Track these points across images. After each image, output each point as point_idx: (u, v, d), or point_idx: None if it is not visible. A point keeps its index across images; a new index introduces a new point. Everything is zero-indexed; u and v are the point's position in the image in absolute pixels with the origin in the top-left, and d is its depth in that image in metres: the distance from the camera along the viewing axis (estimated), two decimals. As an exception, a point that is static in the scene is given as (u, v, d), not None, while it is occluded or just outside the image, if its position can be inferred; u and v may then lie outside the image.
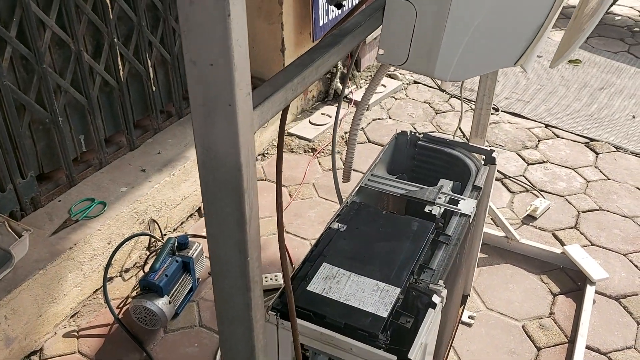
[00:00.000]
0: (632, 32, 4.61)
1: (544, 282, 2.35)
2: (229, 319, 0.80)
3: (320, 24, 3.03)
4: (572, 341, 2.09)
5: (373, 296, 1.36)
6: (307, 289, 1.38)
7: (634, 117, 3.51)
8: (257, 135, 2.96)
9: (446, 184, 1.77)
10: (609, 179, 2.98)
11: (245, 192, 0.64)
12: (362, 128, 3.32)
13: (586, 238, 2.58)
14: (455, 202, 1.69)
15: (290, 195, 2.79)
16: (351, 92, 3.54)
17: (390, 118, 3.43)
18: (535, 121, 3.45)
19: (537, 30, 0.87)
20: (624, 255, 2.50)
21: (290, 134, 3.20)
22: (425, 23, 0.95)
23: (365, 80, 3.71)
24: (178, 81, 2.74)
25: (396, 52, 0.98)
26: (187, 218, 2.62)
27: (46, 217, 2.17)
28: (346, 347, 1.27)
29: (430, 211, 1.65)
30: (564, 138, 3.31)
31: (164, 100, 2.73)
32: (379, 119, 3.41)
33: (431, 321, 1.32)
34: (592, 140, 3.28)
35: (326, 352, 1.32)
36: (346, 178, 2.02)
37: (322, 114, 3.36)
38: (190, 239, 2.24)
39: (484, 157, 1.93)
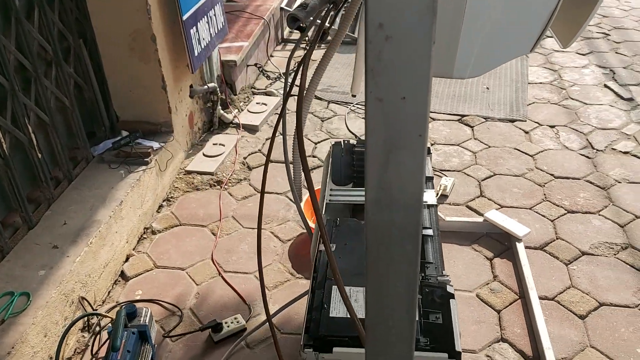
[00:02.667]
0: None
1: (477, 251, 2.54)
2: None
3: (196, 54, 2.94)
4: (523, 296, 2.29)
5: (395, 303, 1.37)
6: (330, 316, 1.34)
7: (487, 88, 3.91)
8: (159, 180, 2.79)
9: (401, 181, 1.83)
10: (489, 146, 3.30)
11: (419, 234, 0.62)
12: (259, 150, 3.29)
13: (495, 202, 2.83)
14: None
15: (214, 234, 2.67)
16: (235, 117, 3.48)
17: (281, 134, 3.42)
18: (447, 114, 3.68)
19: (550, 15, 0.95)
20: (530, 209, 2.79)
21: (190, 172, 3.06)
22: (441, 26, 0.98)
23: (244, 102, 3.67)
24: (61, 142, 2.48)
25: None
26: (113, 286, 2.39)
27: (-39, 328, 1.83)
28: (393, 360, 1.26)
29: (401, 209, 1.69)
30: (439, 120, 3.59)
31: (50, 167, 2.45)
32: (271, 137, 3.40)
33: (456, 310, 1.36)
34: (463, 116, 3.60)
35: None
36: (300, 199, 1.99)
37: (213, 144, 3.26)
38: (136, 305, 2.04)
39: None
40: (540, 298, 2.25)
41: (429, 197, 1.74)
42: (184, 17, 2.77)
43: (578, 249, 2.52)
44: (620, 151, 3.22)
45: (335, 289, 1.41)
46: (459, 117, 3.59)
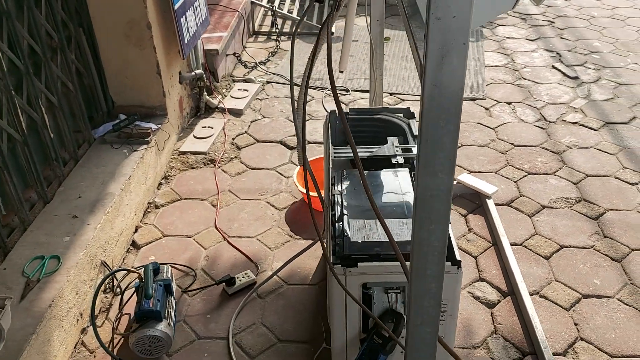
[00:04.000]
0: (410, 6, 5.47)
1: (452, 209, 2.85)
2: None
3: (186, 41, 3.15)
4: (495, 243, 2.61)
5: (403, 229, 1.65)
6: (351, 241, 1.61)
7: (449, 71, 4.25)
8: (157, 159, 2.98)
9: (394, 140, 2.11)
10: (455, 122, 3.63)
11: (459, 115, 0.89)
12: (245, 131, 3.51)
13: (464, 169, 3.16)
14: (408, 150, 2.04)
15: (213, 206, 2.89)
16: (220, 102, 3.69)
17: (264, 117, 3.67)
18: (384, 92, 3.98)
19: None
20: (495, 172, 3.13)
21: (184, 152, 3.26)
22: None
23: (226, 89, 3.89)
24: (68, 124, 2.65)
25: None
26: (126, 253, 2.58)
27: (1, 286, 2.00)
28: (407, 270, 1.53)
29: (397, 161, 1.97)
30: (408, 100, 3.91)
31: (58, 148, 2.62)
32: (256, 120, 3.64)
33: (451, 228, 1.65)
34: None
35: (387, 282, 1.57)
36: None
37: (202, 127, 3.47)
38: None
39: (402, 114, 2.31)
40: (510, 244, 2.58)
41: (419, 150, 2.02)
42: (176, 7, 2.97)
43: (539, 203, 2.87)
44: (570, 122, 3.61)
45: (352, 221, 1.68)
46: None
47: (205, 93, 3.61)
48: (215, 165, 3.19)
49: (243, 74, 4.19)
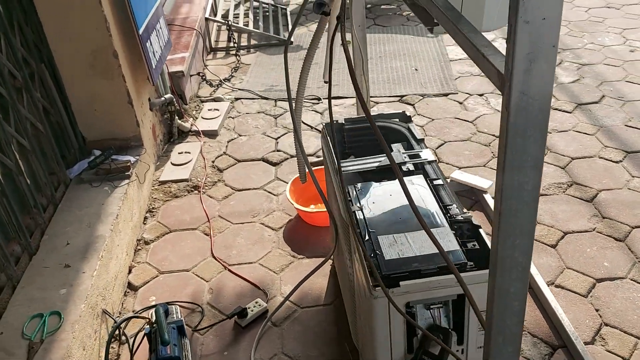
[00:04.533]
0: (368, 8, 5.45)
1: (450, 209, 2.81)
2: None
3: (154, 66, 3.01)
4: (500, 237, 2.59)
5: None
6: (386, 259, 1.54)
7: (416, 69, 4.25)
8: (140, 192, 2.84)
9: (399, 147, 2.05)
10: (433, 119, 3.62)
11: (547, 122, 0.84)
12: (224, 152, 3.39)
13: (453, 165, 3.14)
14: (416, 155, 1.99)
15: (206, 234, 2.76)
16: (192, 125, 3.56)
17: (241, 135, 3.56)
18: (353, 97, 3.94)
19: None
20: (484, 166, 3.12)
21: (164, 182, 3.11)
22: (474, -9, 1.21)
23: (196, 110, 3.76)
24: (42, 168, 2.48)
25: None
26: (124, 297, 2.43)
27: (2, 353, 1.83)
28: (450, 283, 1.47)
29: (408, 168, 1.92)
30: (382, 102, 3.87)
31: (35, 193, 2.44)
32: (232, 139, 3.52)
33: (486, 236, 1.60)
34: (402, 96, 3.91)
35: (431, 299, 1.50)
36: (303, 178, 2.16)
37: (178, 153, 3.33)
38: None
39: (398, 118, 2.26)
40: (516, 236, 2.56)
41: (427, 154, 1.97)
42: (140, 31, 2.83)
43: (533, 192, 2.87)
44: (543, 107, 3.64)
45: (381, 237, 1.60)
46: (398, 98, 3.89)
47: (177, 117, 3.47)
48: (199, 191, 3.05)
49: (209, 93, 4.06)
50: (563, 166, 3.05)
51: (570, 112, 3.55)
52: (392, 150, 2.03)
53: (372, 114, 2.72)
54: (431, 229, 1.63)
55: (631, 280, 2.33)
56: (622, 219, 2.64)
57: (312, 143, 3.44)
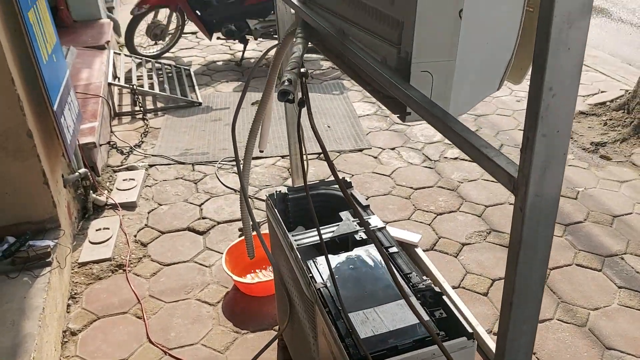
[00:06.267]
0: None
1: (384, 265, 2.89)
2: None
3: (69, 142, 2.84)
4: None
5: (404, 312, 1.62)
6: (362, 338, 1.54)
7: (329, 127, 4.38)
8: (61, 278, 2.63)
9: (347, 215, 2.09)
10: (353, 174, 3.73)
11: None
12: (145, 224, 3.24)
13: (381, 220, 3.23)
14: (365, 223, 2.03)
15: (138, 317, 2.60)
16: (108, 197, 3.38)
17: (161, 205, 3.43)
18: (273, 156, 3.96)
19: (509, 61, 1.31)
20: (408, 219, 3.25)
21: (84, 263, 2.90)
22: (439, 82, 1.29)
23: (110, 181, 3.58)
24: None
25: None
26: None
27: None
28: (428, 355, 1.51)
29: (361, 237, 1.95)
30: (311, 159, 3.92)
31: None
32: (153, 209, 3.38)
33: (451, 303, 1.66)
34: (319, 154, 3.99)
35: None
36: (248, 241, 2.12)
37: (96, 230, 3.14)
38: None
39: (339, 185, 2.30)
40: (455, 287, 2.68)
41: (376, 221, 2.03)
42: (55, 107, 2.68)
43: (458, 242, 3.03)
44: (451, 158, 3.90)
45: (352, 315, 1.61)
46: (316, 155, 3.97)
47: (91, 192, 3.28)
48: (124, 270, 2.88)
49: (120, 161, 3.89)
50: (479, 214, 3.25)
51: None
52: (341, 219, 2.07)
53: (308, 180, 2.76)
54: (397, 301, 1.67)
55: (558, 320, 2.51)
56: (540, 262, 2.85)
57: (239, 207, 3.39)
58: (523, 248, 0.91)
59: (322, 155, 3.96)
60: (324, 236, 1.96)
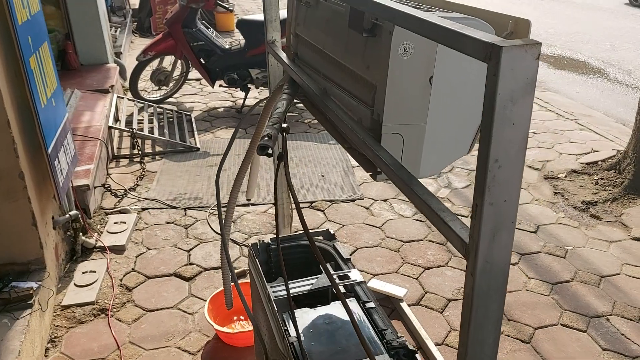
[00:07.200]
0: (270, 115, 5.66)
1: (369, 319, 2.87)
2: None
3: (61, 184, 2.88)
4: (420, 347, 2.66)
5: (377, 370, 1.61)
6: (332, 395, 1.53)
7: (323, 176, 4.42)
8: (42, 321, 2.61)
9: (328, 268, 2.09)
10: (343, 225, 3.74)
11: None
12: (132, 269, 3.24)
13: (367, 272, 3.23)
14: (345, 277, 2.04)
15: (117, 363, 2.57)
16: (98, 240, 3.39)
17: (150, 249, 3.43)
18: (263, 204, 3.99)
19: (479, 126, 1.35)
20: (396, 272, 3.24)
21: (67, 306, 2.89)
22: (410, 144, 1.33)
23: (101, 223, 3.59)
24: None
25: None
26: None
27: None
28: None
29: (341, 291, 1.95)
30: (292, 209, 3.94)
31: None
32: (141, 253, 3.38)
33: (423, 362, 1.65)
34: (312, 202, 4.02)
35: None
36: (229, 305, 2.12)
37: (82, 272, 3.13)
38: None
39: (322, 236, 2.32)
40: (439, 344, 2.65)
41: (356, 275, 2.03)
42: (49, 150, 2.73)
43: (444, 297, 3.02)
44: (442, 211, 3.91)
45: (323, 371, 1.60)
46: (309, 204, 4.00)
47: (81, 234, 3.29)
48: (107, 314, 2.87)
49: (114, 204, 3.92)
50: (467, 270, 3.24)
51: (466, 217, 3.83)
52: (320, 272, 2.07)
53: (295, 230, 2.77)
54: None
55: (543, 382, 2.47)
56: (525, 321, 2.83)
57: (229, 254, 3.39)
58: (474, 312, 0.93)
59: (314, 204, 3.99)
60: (302, 288, 1.97)
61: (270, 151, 1.56)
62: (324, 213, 3.89)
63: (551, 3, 12.94)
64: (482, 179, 0.84)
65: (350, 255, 3.39)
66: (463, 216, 3.83)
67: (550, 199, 4.05)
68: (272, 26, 2.27)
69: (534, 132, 5.25)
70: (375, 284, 3.01)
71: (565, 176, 4.34)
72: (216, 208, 3.87)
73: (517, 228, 3.64)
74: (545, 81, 7.27)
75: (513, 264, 3.28)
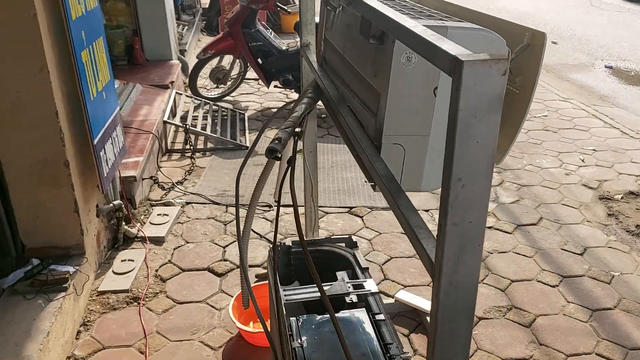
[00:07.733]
0: (322, 118, 5.67)
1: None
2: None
3: (105, 175, 3.00)
4: (443, 364, 2.59)
5: (375, 384, 1.57)
6: (324, 404, 1.51)
7: (366, 181, 4.39)
8: (76, 304, 2.73)
9: (343, 275, 2.07)
10: (380, 233, 3.70)
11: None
12: (169, 260, 3.33)
13: (398, 283, 3.17)
14: (360, 286, 2.01)
15: (141, 352, 2.65)
16: (139, 230, 3.51)
17: (188, 242, 3.52)
18: (302, 206, 3.99)
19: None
20: (428, 285, 3.17)
21: (103, 292, 3.01)
22: (412, 156, 1.30)
23: (145, 214, 3.72)
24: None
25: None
26: None
27: None
28: None
29: (352, 300, 1.93)
30: (332, 213, 3.94)
31: (-39, 305, 2.32)
32: (179, 246, 3.47)
33: (425, 381, 1.60)
34: (351, 207, 4.00)
35: None
36: (246, 304, 2.13)
37: (122, 261, 3.25)
38: None
39: (344, 243, 2.30)
40: (458, 363, 2.57)
41: (371, 285, 2.00)
42: (95, 141, 2.85)
43: (475, 315, 2.92)
44: (486, 227, 3.79)
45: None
46: (348, 209, 3.98)
47: (124, 223, 3.42)
48: (139, 303, 2.96)
49: (160, 196, 4.05)
50: (503, 289, 3.13)
51: (510, 233, 3.69)
52: (336, 279, 2.05)
53: (320, 232, 2.76)
54: (371, 371, 1.63)
55: (569, 413, 2.34)
56: (557, 347, 2.70)
57: (260, 253, 3.43)
58: (439, 334, 0.89)
59: (353, 209, 3.97)
60: (314, 295, 1.96)
61: (279, 155, 1.56)
62: (362, 219, 3.85)
63: (624, 15, 12.28)
64: (445, 198, 0.80)
65: (383, 264, 3.35)
66: (507, 232, 3.70)
67: (602, 221, 3.84)
68: (307, 29, 2.28)
69: (593, 150, 4.99)
70: (403, 295, 2.95)
71: (622, 197, 4.10)
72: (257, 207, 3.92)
73: (562, 249, 3.48)
74: (613, 96, 6.90)
75: (552, 286, 3.14)
